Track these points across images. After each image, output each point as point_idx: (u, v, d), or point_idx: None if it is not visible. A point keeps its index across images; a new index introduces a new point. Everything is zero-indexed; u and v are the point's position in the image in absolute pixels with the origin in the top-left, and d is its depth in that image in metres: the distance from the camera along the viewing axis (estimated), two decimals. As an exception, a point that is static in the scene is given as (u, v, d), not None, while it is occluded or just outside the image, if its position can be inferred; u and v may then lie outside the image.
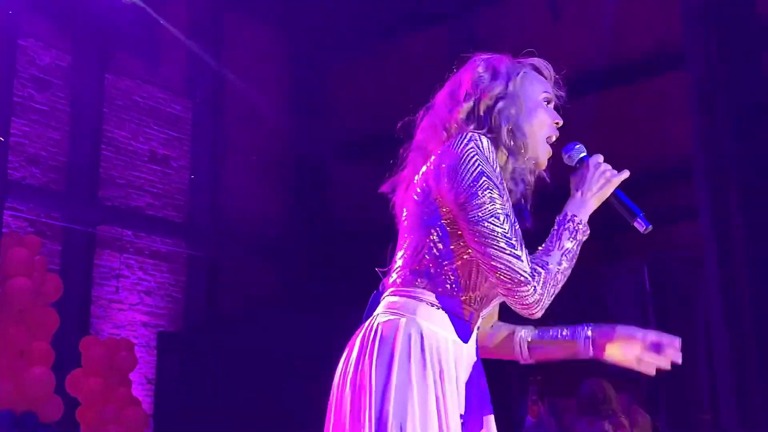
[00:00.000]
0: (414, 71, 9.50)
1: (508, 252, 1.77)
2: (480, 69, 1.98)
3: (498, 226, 1.77)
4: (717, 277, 5.62)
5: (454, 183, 1.80)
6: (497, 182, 1.80)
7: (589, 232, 1.89)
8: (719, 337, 5.57)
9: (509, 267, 1.76)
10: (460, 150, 1.82)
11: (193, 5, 8.94)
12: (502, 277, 1.77)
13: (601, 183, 1.92)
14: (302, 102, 9.68)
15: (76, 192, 7.81)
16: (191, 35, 8.64)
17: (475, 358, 1.93)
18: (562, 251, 1.83)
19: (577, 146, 1.98)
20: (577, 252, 1.87)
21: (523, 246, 1.79)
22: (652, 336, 1.99)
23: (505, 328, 2.09)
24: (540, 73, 2.02)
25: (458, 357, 1.85)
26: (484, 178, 1.79)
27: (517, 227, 1.80)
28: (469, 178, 1.79)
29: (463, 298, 1.86)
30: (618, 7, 8.18)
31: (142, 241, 8.33)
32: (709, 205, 5.76)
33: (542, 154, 1.97)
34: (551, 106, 2.00)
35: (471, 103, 1.93)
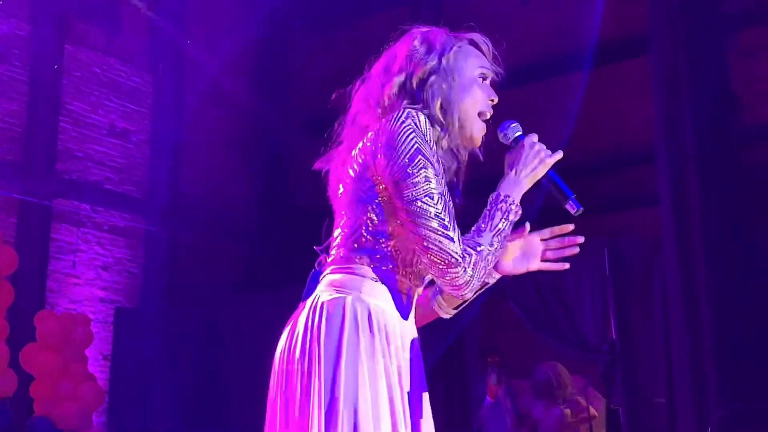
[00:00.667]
0: (379, 50, 9.45)
1: (440, 233, 1.77)
2: (416, 42, 1.96)
3: (431, 206, 1.77)
4: (675, 262, 5.68)
5: (390, 161, 1.80)
6: (433, 161, 1.80)
7: (521, 212, 1.89)
8: (676, 321, 5.64)
9: (440, 248, 1.77)
10: (396, 127, 1.80)
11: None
12: (433, 257, 1.77)
13: (535, 163, 1.92)
14: (266, 78, 9.58)
15: (34, 164, 7.67)
16: (153, 6, 8.49)
17: (415, 334, 1.95)
18: (494, 232, 1.84)
19: (513, 125, 1.97)
20: (509, 232, 1.88)
21: (456, 226, 1.79)
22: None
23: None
24: (478, 48, 2.00)
25: (403, 333, 1.87)
26: (419, 157, 1.78)
27: (452, 206, 1.81)
28: (404, 156, 1.78)
29: (402, 273, 1.87)
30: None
31: (100, 215, 8.21)
32: (670, 189, 5.82)
33: (475, 130, 1.95)
34: (487, 82, 1.98)
35: (403, 78, 1.92)
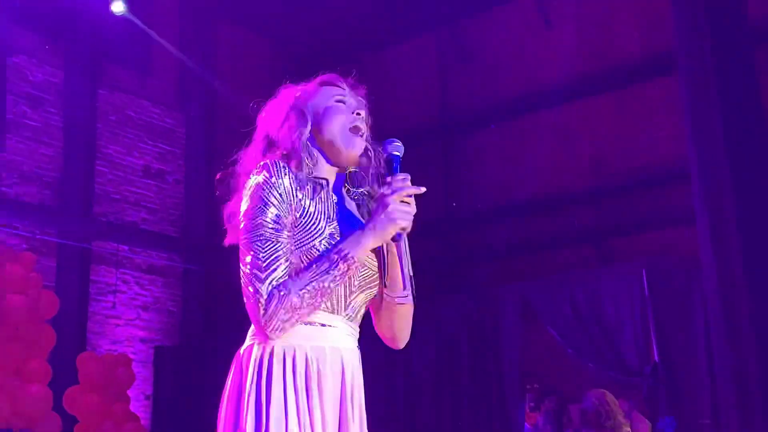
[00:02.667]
0: (403, 80, 9.54)
1: (253, 277, 1.88)
2: (270, 118, 2.11)
3: (255, 250, 1.89)
4: (715, 280, 5.61)
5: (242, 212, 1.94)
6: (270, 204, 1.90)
7: (356, 266, 1.89)
8: (719, 340, 5.55)
9: (246, 285, 1.90)
10: (249, 185, 1.95)
11: (184, 17, 8.95)
12: (244, 292, 1.90)
13: (385, 223, 1.88)
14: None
15: (71, 208, 7.79)
16: (183, 48, 8.63)
17: (354, 361, 1.98)
18: (313, 279, 1.87)
19: (395, 143, 2.00)
20: (332, 282, 1.87)
21: (276, 266, 1.86)
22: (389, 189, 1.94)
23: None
24: (331, 84, 2.12)
25: (322, 362, 1.92)
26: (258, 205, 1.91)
27: (280, 246, 1.87)
28: (245, 205, 1.94)
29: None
30: (608, 12, 8.20)
31: (138, 255, 8.31)
32: (706, 206, 5.75)
33: (345, 143, 2.04)
34: (344, 104, 2.08)
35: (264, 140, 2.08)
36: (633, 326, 6.06)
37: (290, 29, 9.06)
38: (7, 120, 6.77)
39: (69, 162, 7.83)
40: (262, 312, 1.86)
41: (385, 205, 1.88)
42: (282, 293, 1.85)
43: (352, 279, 1.96)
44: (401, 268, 1.96)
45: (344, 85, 2.13)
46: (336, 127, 2.04)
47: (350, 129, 2.05)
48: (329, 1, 8.59)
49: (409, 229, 1.90)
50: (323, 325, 1.94)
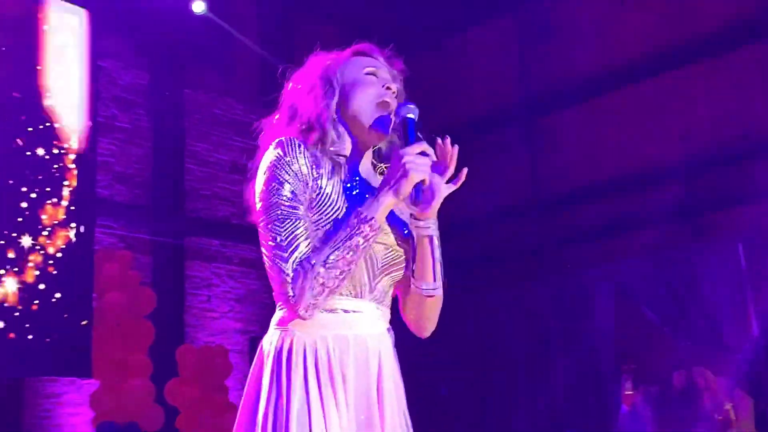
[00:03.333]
0: (483, 62, 9.45)
1: (277, 258, 1.81)
2: (293, 84, 2.07)
3: (275, 232, 1.83)
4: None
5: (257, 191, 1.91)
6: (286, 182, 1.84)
7: (378, 228, 1.78)
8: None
9: (272, 266, 1.82)
10: (263, 162, 1.93)
11: (263, 15, 9.06)
12: (269, 274, 1.83)
13: (400, 176, 1.78)
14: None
15: (163, 206, 8.00)
16: (263, 44, 8.75)
17: (382, 347, 1.88)
18: (335, 247, 1.77)
19: (408, 106, 1.89)
20: (356, 248, 1.77)
21: (297, 243, 1.78)
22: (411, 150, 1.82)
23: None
24: (365, 54, 2.01)
25: (345, 351, 1.83)
26: (273, 183, 1.86)
27: (300, 223, 1.80)
28: (260, 185, 1.90)
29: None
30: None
31: (230, 249, 8.48)
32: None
33: (371, 117, 1.92)
34: (375, 77, 1.96)
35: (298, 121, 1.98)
36: (731, 303, 5.90)
37: (369, 20, 9.08)
38: (99, 123, 6.99)
39: (159, 161, 8.04)
40: (290, 292, 1.77)
41: (400, 158, 1.78)
42: (307, 269, 1.76)
43: (375, 260, 1.87)
44: (432, 260, 1.87)
45: (379, 57, 2.00)
46: (363, 102, 1.92)
47: (378, 104, 1.92)
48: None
49: (428, 183, 1.80)
50: (346, 311, 1.84)
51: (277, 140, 1.91)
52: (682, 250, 6.77)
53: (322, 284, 1.76)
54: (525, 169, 8.59)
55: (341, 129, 1.93)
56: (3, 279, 5.71)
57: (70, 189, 6.19)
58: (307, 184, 1.84)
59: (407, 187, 1.77)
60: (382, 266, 1.88)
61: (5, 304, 5.69)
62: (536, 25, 8.82)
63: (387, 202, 1.79)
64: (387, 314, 1.93)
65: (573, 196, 8.42)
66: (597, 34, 8.48)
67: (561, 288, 7.21)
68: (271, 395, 1.81)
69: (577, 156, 8.47)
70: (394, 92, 1.94)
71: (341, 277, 1.77)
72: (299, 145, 1.87)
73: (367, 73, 1.96)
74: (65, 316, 5.97)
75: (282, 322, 1.87)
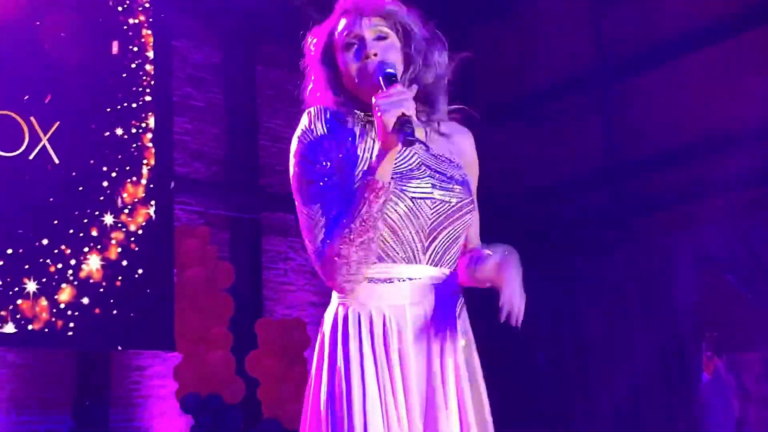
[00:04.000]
0: (554, 29, 9.29)
1: (309, 236, 1.78)
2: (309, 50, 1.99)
3: (308, 206, 1.81)
4: None
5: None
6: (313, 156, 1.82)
7: (382, 187, 1.68)
8: None
9: (310, 251, 1.77)
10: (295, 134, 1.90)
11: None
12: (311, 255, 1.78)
13: (378, 120, 1.66)
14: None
15: (239, 182, 8.12)
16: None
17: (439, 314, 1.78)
18: (350, 214, 1.70)
19: (386, 70, 1.77)
20: (370, 205, 1.68)
21: (321, 222, 1.75)
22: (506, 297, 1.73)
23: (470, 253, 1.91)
24: (349, 12, 1.92)
25: (402, 321, 1.75)
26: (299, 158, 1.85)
27: (325, 197, 1.76)
28: (290, 160, 1.89)
29: (377, 261, 1.77)
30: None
31: (304, 223, 8.56)
32: None
33: (359, 78, 1.85)
34: (354, 45, 1.88)
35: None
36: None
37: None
38: (174, 102, 7.12)
39: (233, 138, 8.15)
40: (322, 272, 1.74)
41: (376, 106, 1.67)
42: (329, 245, 1.71)
43: (423, 219, 1.76)
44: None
45: (361, 8, 1.89)
46: (351, 81, 1.86)
47: (361, 77, 1.83)
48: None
49: (409, 114, 1.64)
50: (401, 279, 1.76)
51: (305, 112, 1.88)
52: (765, 214, 6.58)
53: (346, 260, 1.70)
54: (599, 136, 8.44)
55: (354, 96, 1.87)
56: (87, 256, 5.90)
57: (149, 167, 6.33)
58: (332, 149, 1.80)
59: (388, 131, 1.64)
60: (432, 223, 1.78)
61: (90, 281, 5.88)
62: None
63: (381, 158, 1.68)
64: (449, 275, 1.82)
65: (650, 162, 8.24)
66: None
67: (639, 256, 7.09)
68: (328, 368, 1.77)
69: (652, 121, 8.28)
70: (370, 55, 1.83)
71: (363, 247, 1.69)
72: (324, 111, 1.84)
73: (347, 45, 1.88)
74: (148, 291, 6.13)
75: (340, 294, 1.83)
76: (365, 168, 1.74)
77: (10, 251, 5.59)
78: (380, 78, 1.75)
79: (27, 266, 5.64)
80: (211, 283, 6.66)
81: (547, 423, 7.14)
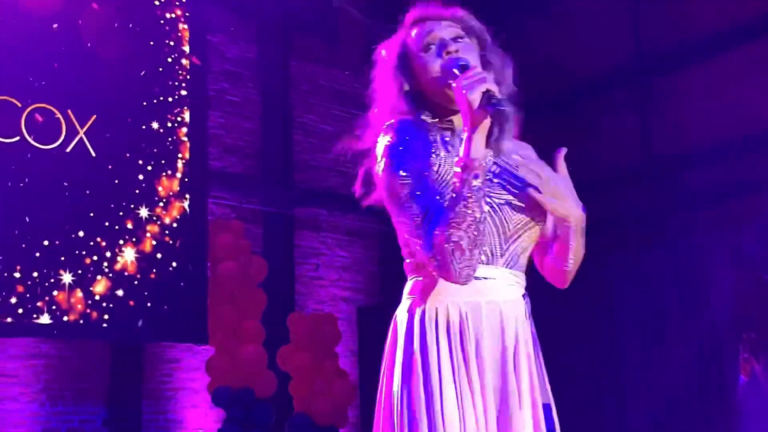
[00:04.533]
0: (592, 24, 9.21)
1: (415, 234, 1.75)
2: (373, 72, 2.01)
3: (407, 209, 1.77)
4: None
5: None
6: (405, 159, 1.80)
7: (475, 167, 1.68)
8: None
9: (419, 247, 1.76)
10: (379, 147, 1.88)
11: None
12: (419, 256, 1.78)
13: (463, 100, 1.69)
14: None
15: (272, 177, 8.14)
16: (368, 13, 8.74)
17: (517, 313, 1.84)
18: (452, 203, 1.70)
19: (461, 62, 1.80)
20: (472, 194, 1.68)
21: (428, 216, 1.73)
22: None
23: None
24: (420, 20, 1.95)
25: (477, 318, 1.80)
26: (394, 164, 1.81)
27: (426, 194, 1.75)
28: (382, 174, 1.84)
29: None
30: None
31: (337, 219, 8.58)
32: None
33: (437, 88, 1.86)
34: (433, 46, 1.89)
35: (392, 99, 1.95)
36: None
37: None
38: (210, 97, 7.15)
39: (268, 133, 8.17)
40: (437, 265, 1.72)
41: (458, 91, 1.71)
42: (437, 235, 1.69)
43: (506, 223, 1.82)
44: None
45: (434, 14, 1.93)
46: (432, 81, 1.87)
47: (449, 73, 1.82)
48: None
49: (494, 90, 1.68)
50: (478, 278, 1.77)
51: (388, 124, 1.88)
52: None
53: (458, 245, 1.68)
54: (636, 132, 8.34)
55: (432, 105, 1.90)
56: (122, 249, 5.94)
57: (184, 161, 6.36)
58: (424, 157, 1.82)
59: (474, 107, 1.68)
60: (515, 229, 1.84)
61: (125, 273, 5.92)
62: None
63: (471, 138, 1.70)
64: (522, 280, 1.88)
65: (688, 159, 8.13)
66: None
67: (676, 255, 6.99)
68: (406, 362, 1.81)
69: (691, 118, 8.16)
70: (452, 52, 1.86)
71: (472, 229, 1.68)
72: (410, 124, 1.87)
73: (426, 46, 1.90)
74: (181, 284, 6.17)
75: (413, 291, 1.87)
76: (459, 160, 1.74)
77: (46, 243, 5.65)
78: (455, 69, 1.78)
79: (63, 258, 5.69)
80: (244, 277, 6.68)
81: (576, 420, 7.08)
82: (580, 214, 1.86)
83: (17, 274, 5.51)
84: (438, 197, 1.75)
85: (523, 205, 1.84)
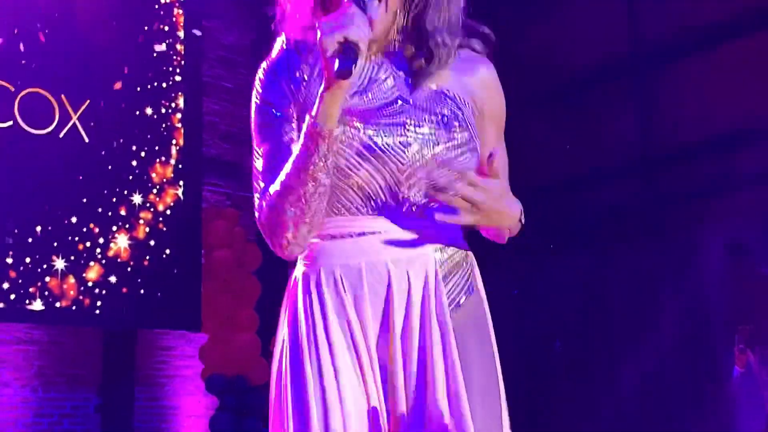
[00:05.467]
0: (589, 14, 9.18)
1: (255, 193, 1.61)
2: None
3: (255, 168, 1.63)
4: None
5: None
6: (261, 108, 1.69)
7: (324, 133, 1.42)
8: None
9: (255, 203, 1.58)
10: None
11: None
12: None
13: (317, 50, 1.44)
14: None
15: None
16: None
17: (413, 271, 1.50)
18: (287, 169, 1.48)
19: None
20: (307, 153, 1.44)
21: (264, 176, 1.56)
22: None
23: None
24: None
25: (356, 284, 1.49)
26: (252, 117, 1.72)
27: (270, 150, 1.59)
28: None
29: (329, 217, 1.54)
30: None
31: (332, 207, 8.55)
32: None
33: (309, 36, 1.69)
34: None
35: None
36: None
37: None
38: (204, 83, 7.11)
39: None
40: (261, 230, 1.55)
41: (317, 29, 1.44)
42: (263, 210, 1.53)
43: (393, 164, 1.48)
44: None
45: None
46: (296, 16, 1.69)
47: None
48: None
49: (355, 41, 1.39)
50: (360, 233, 1.50)
51: (263, 65, 1.75)
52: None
53: (282, 218, 1.48)
54: (633, 126, 8.33)
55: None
56: (116, 235, 5.92)
57: (178, 148, 6.33)
58: (288, 92, 1.67)
59: (330, 64, 1.39)
60: (408, 171, 1.49)
61: (118, 260, 5.90)
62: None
63: (323, 97, 1.43)
64: (430, 230, 1.51)
65: (683, 152, 8.12)
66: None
67: (671, 247, 6.99)
68: (278, 342, 1.62)
69: (686, 111, 8.15)
70: None
71: (299, 203, 1.46)
72: (278, 62, 1.71)
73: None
74: (175, 271, 6.14)
75: (304, 256, 1.60)
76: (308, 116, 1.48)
77: (39, 228, 5.62)
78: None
79: (55, 244, 5.67)
80: (238, 265, 6.67)
81: (571, 414, 7.09)
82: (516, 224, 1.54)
83: (10, 260, 5.49)
84: (274, 157, 1.56)
85: (422, 140, 1.50)
